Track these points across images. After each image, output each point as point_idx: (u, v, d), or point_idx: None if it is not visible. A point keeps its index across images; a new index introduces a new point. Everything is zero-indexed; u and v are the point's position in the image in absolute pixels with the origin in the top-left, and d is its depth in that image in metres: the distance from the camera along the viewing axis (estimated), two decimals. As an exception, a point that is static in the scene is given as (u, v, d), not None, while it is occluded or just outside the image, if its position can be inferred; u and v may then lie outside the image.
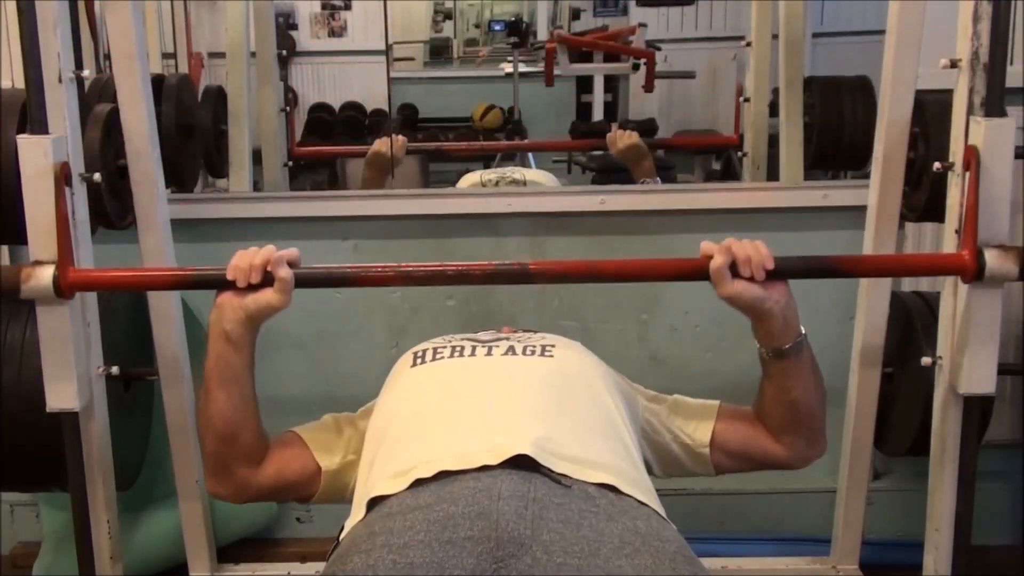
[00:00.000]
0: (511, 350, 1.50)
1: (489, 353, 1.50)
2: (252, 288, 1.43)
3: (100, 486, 1.77)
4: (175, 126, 2.19)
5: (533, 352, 1.49)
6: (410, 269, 1.55)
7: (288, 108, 2.87)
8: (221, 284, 1.45)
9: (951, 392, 1.66)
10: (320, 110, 3.76)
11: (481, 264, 1.54)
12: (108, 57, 2.20)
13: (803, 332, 1.48)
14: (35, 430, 1.70)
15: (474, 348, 1.51)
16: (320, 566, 1.22)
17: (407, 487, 1.19)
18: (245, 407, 1.47)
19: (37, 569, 2.19)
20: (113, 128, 1.79)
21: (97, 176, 1.67)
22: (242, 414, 1.47)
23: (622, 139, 2.67)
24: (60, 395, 1.62)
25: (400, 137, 2.76)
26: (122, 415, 1.87)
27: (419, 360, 1.52)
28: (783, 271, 1.44)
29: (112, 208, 1.83)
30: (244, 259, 1.44)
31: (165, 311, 1.89)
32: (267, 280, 1.43)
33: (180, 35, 2.99)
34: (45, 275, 1.53)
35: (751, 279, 1.41)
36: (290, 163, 2.81)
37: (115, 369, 1.77)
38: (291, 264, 1.44)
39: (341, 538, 1.24)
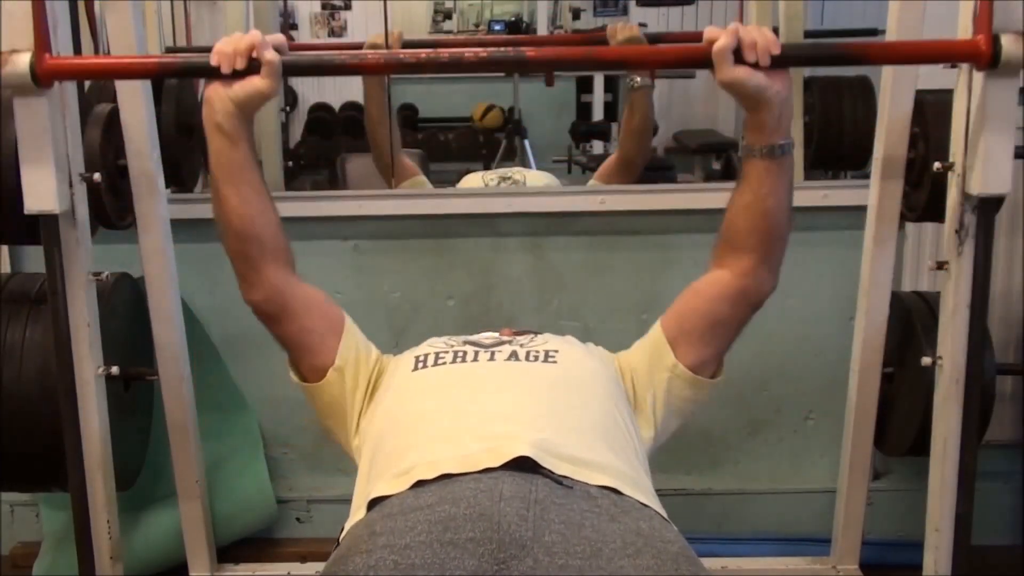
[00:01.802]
0: (514, 356, 1.49)
1: (492, 358, 1.49)
2: (239, 76, 1.41)
3: (100, 486, 1.77)
4: (175, 126, 2.19)
5: (536, 358, 1.49)
6: (403, 56, 1.48)
7: (288, 108, 2.87)
8: (206, 71, 1.42)
9: (952, 383, 1.66)
10: (320, 110, 3.76)
11: (475, 51, 1.47)
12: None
13: (791, 137, 1.45)
14: (35, 430, 1.70)
15: (476, 353, 1.51)
16: (320, 566, 1.22)
17: (408, 487, 1.19)
18: (258, 199, 1.46)
19: (37, 569, 2.19)
20: (113, 128, 1.79)
21: (97, 176, 1.67)
22: (256, 207, 1.46)
23: (622, 31, 2.61)
24: (39, 195, 1.54)
25: (396, 31, 2.67)
26: (122, 415, 1.87)
27: (420, 364, 1.51)
28: (790, 58, 1.40)
29: (112, 208, 1.82)
30: (228, 44, 1.40)
31: (165, 311, 1.89)
32: (254, 67, 1.40)
33: (180, 35, 2.98)
34: (21, 61, 1.45)
35: (755, 66, 1.38)
36: (290, 163, 2.81)
37: (115, 369, 1.77)
38: (278, 49, 1.41)
39: (341, 538, 1.24)
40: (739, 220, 1.48)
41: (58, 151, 1.55)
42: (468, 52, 1.46)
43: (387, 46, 2.47)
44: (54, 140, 1.53)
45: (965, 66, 1.57)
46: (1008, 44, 1.44)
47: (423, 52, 1.47)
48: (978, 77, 1.52)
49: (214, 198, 1.47)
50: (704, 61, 1.39)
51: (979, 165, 1.54)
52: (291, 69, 1.44)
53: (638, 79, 2.43)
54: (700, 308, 1.52)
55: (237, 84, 1.41)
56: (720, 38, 1.38)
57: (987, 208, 1.58)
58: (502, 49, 1.49)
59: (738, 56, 1.38)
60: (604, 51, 1.47)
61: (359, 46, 2.51)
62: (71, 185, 1.61)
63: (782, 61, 1.40)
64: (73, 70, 1.57)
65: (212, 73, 1.41)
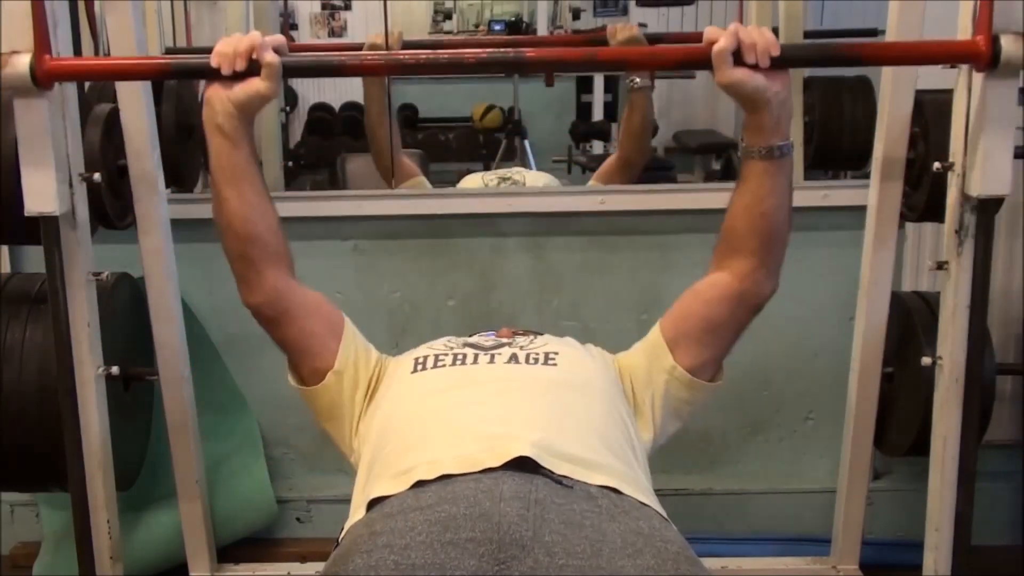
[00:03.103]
0: (514, 358, 1.49)
1: (492, 361, 1.49)
2: (239, 77, 1.41)
3: (100, 486, 1.77)
4: (175, 126, 2.19)
5: (536, 360, 1.48)
6: (403, 57, 1.48)
7: (288, 108, 2.87)
8: (206, 72, 1.42)
9: (952, 385, 1.66)
10: (320, 110, 3.76)
11: (475, 52, 1.47)
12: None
13: (791, 138, 1.45)
14: (35, 430, 1.70)
15: (476, 356, 1.50)
16: (320, 566, 1.22)
17: (408, 488, 1.19)
18: (258, 201, 1.46)
19: (37, 569, 2.19)
20: (113, 128, 1.79)
21: (97, 176, 1.66)
22: (256, 209, 1.46)
23: (622, 31, 2.61)
24: (38, 197, 1.54)
25: (396, 31, 2.67)
26: (122, 415, 1.87)
27: (420, 367, 1.50)
28: (790, 59, 1.41)
29: (112, 208, 1.82)
30: (228, 45, 1.40)
31: (165, 311, 1.89)
32: (254, 68, 1.40)
33: (180, 35, 2.98)
34: (21, 62, 1.45)
35: (755, 67, 1.38)
36: (290, 163, 2.81)
37: (115, 369, 1.77)
38: (278, 51, 1.41)
39: (341, 538, 1.24)
40: (738, 222, 1.48)
41: (58, 152, 1.55)
42: (468, 53, 1.46)
43: (387, 47, 2.47)
44: (54, 141, 1.53)
45: (965, 66, 1.57)
46: (1008, 45, 1.44)
47: (423, 53, 1.47)
48: (977, 78, 1.52)
49: (214, 199, 1.47)
50: (704, 62, 1.39)
51: (979, 166, 1.54)
52: (291, 70, 1.44)
53: (638, 80, 2.43)
54: (699, 311, 1.51)
55: (238, 86, 1.41)
56: (720, 39, 1.37)
57: (987, 208, 1.58)
58: (501, 50, 1.49)
59: (738, 57, 1.38)
60: (604, 52, 1.47)
61: (359, 47, 2.51)
62: (71, 186, 1.61)
63: (782, 62, 1.40)
64: (73, 71, 1.57)
65: (212, 74, 1.41)
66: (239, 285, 1.51)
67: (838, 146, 2.45)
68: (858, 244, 1.91)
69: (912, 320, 1.90)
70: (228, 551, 2.25)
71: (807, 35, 2.55)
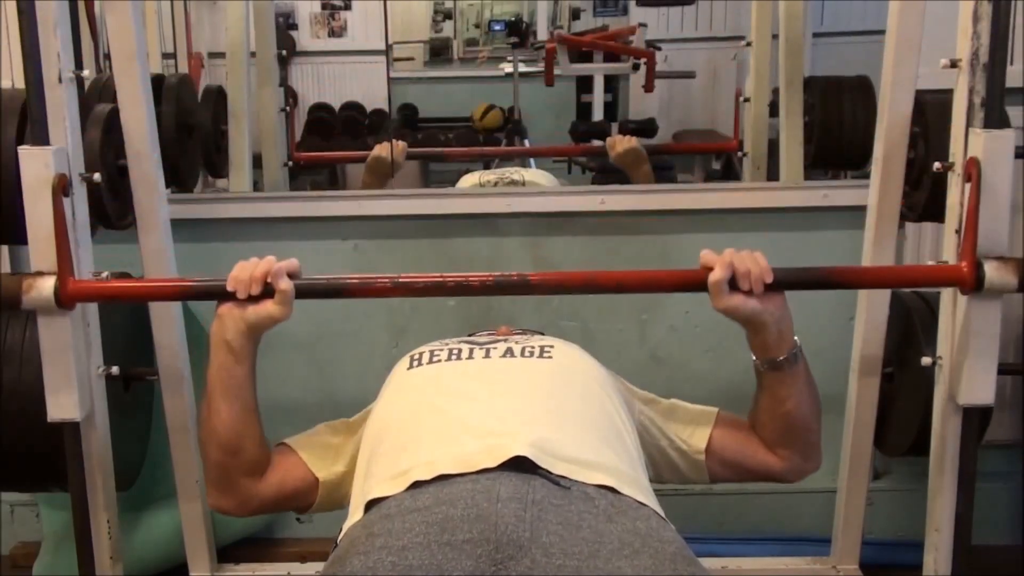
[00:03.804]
0: (509, 352, 1.50)
1: (487, 355, 1.50)
2: (253, 299, 1.44)
3: (100, 486, 1.77)
4: (175, 126, 2.19)
5: (532, 354, 1.49)
6: (409, 280, 1.54)
7: (288, 108, 2.87)
8: (222, 295, 1.45)
9: (951, 396, 1.66)
10: (320, 110, 3.75)
11: (481, 276, 1.54)
12: (108, 57, 2.20)
13: (798, 343, 1.49)
14: (35, 430, 1.70)
15: (471, 351, 1.51)
16: (320, 566, 1.22)
17: (405, 489, 1.19)
18: (248, 417, 1.48)
19: (37, 569, 2.19)
20: (113, 128, 1.79)
21: (97, 176, 1.67)
22: (246, 424, 1.47)
23: (620, 143, 2.67)
24: (61, 406, 1.62)
25: (400, 143, 2.75)
26: (122, 415, 1.87)
27: (415, 363, 1.51)
28: (782, 283, 1.45)
29: (112, 208, 1.83)
30: (244, 271, 1.44)
31: (165, 312, 1.89)
32: (267, 291, 1.44)
33: (180, 35, 2.99)
34: (46, 286, 1.54)
35: (749, 292, 1.42)
36: (290, 163, 2.82)
37: (115, 370, 1.77)
38: (291, 275, 1.45)
39: (339, 539, 1.24)
40: (765, 419, 1.56)
41: (79, 362, 1.63)
42: (473, 277, 1.53)
43: (391, 160, 2.66)
44: (75, 352, 1.61)
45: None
46: (991, 271, 1.52)
47: (430, 277, 1.54)
48: (963, 298, 1.58)
49: (205, 409, 1.49)
50: (701, 286, 1.45)
51: (965, 375, 1.60)
52: (304, 293, 1.47)
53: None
54: (745, 464, 1.60)
55: (251, 308, 1.44)
56: (716, 270, 1.42)
57: (971, 415, 1.65)
58: (506, 274, 1.55)
59: (732, 283, 1.42)
60: (604, 276, 1.62)
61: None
62: (91, 388, 1.69)
63: (776, 286, 1.45)
64: (94, 293, 1.63)
65: (229, 297, 1.44)
66: (209, 488, 1.53)
67: (838, 146, 2.45)
68: (858, 244, 1.91)
69: (912, 320, 1.90)
70: (228, 551, 2.25)
71: (814, 36, 2.56)
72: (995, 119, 1.54)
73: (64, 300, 1.55)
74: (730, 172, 2.97)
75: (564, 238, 2.28)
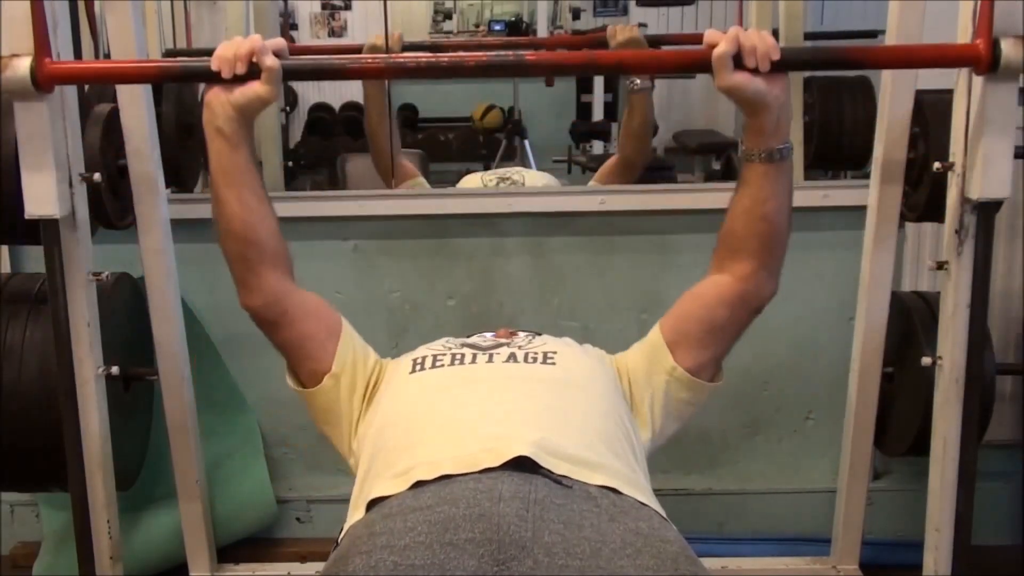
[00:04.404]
0: (512, 357, 1.49)
1: (490, 360, 1.49)
2: (239, 80, 1.41)
3: (100, 486, 1.77)
4: (175, 126, 2.19)
5: (535, 359, 1.49)
6: (402, 60, 1.49)
7: (288, 108, 2.87)
8: (206, 76, 1.42)
9: (952, 385, 1.66)
10: (320, 110, 3.75)
11: (476, 55, 1.48)
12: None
13: (791, 141, 1.46)
14: (35, 430, 1.70)
15: (475, 355, 1.51)
16: (320, 566, 1.22)
17: (407, 488, 1.19)
18: (258, 204, 1.47)
19: (37, 569, 2.19)
20: (113, 128, 1.79)
21: (97, 176, 1.67)
22: (256, 212, 1.46)
23: (622, 32, 2.61)
24: (39, 200, 1.55)
25: (396, 33, 2.67)
26: (122, 415, 1.87)
27: (418, 367, 1.51)
28: (790, 62, 1.41)
29: (112, 208, 1.83)
30: (229, 49, 1.41)
31: (165, 311, 1.89)
32: (254, 72, 1.41)
33: (180, 35, 2.98)
34: (22, 66, 1.45)
35: (754, 71, 1.39)
36: (289, 163, 2.81)
37: (115, 369, 1.77)
38: (278, 54, 1.42)
39: (340, 538, 1.24)
40: (738, 224, 1.49)
41: (58, 155, 1.55)
42: (468, 56, 1.47)
43: (387, 49, 2.47)
44: (55, 144, 1.54)
45: (965, 69, 1.57)
46: (1008, 48, 1.44)
47: (423, 57, 1.49)
48: (977, 81, 1.52)
49: (214, 201, 1.47)
50: (704, 66, 1.40)
51: (979, 168, 1.54)
52: (291, 74, 1.45)
53: (638, 81, 2.44)
54: (699, 312, 1.52)
55: (238, 89, 1.41)
56: (720, 44, 1.38)
57: (987, 209, 1.58)
58: (502, 53, 1.49)
59: (737, 61, 1.38)
60: (604, 55, 1.47)
61: (359, 48, 2.51)
62: (71, 187, 1.61)
63: (782, 66, 1.40)
64: (73, 74, 1.57)
65: (213, 78, 1.42)
66: (238, 288, 1.51)
67: (838, 146, 2.45)
68: (858, 244, 1.91)
69: (912, 320, 1.90)
70: (228, 551, 2.25)
71: (807, 36, 2.55)
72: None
73: (41, 81, 1.46)
74: (730, 172, 2.97)
75: (564, 238, 2.28)
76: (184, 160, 2.26)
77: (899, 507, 2.28)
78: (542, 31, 3.73)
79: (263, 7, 2.67)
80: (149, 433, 2.10)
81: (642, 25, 3.23)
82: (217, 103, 1.42)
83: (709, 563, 1.85)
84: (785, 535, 2.31)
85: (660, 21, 3.49)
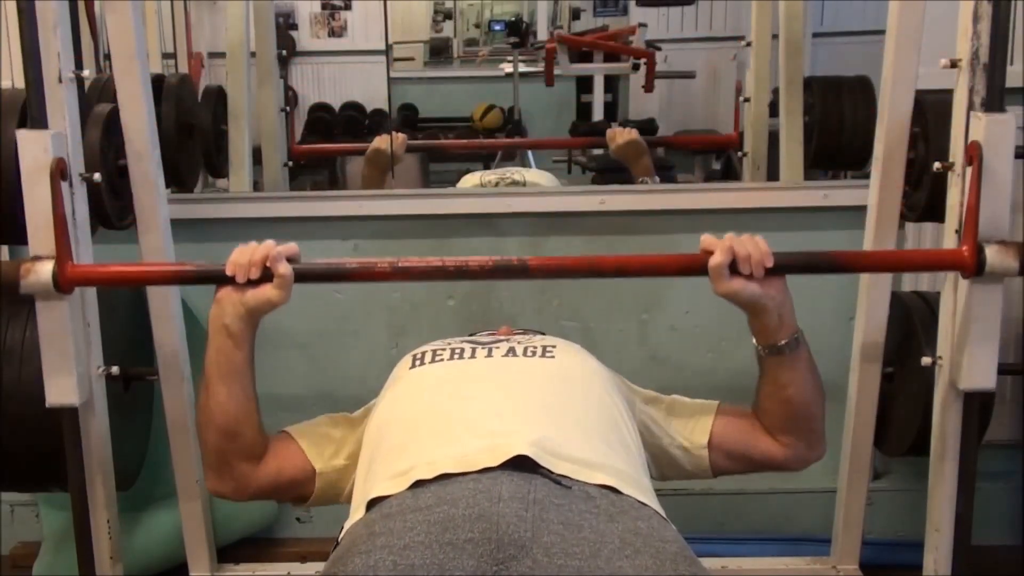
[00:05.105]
0: (511, 351, 1.50)
1: (489, 355, 1.50)
2: (252, 283, 1.43)
3: (100, 486, 1.77)
4: (175, 126, 2.19)
5: (534, 353, 1.49)
6: (409, 265, 1.54)
7: (288, 108, 2.87)
8: (221, 280, 1.45)
9: (951, 391, 1.66)
10: (320, 110, 3.75)
11: (480, 260, 1.53)
12: (108, 57, 2.20)
13: (799, 330, 1.48)
14: (35, 430, 1.70)
15: (474, 350, 1.51)
16: (320, 566, 1.22)
17: (407, 488, 1.20)
18: (246, 402, 1.48)
19: (37, 569, 2.19)
20: (113, 128, 1.79)
21: (97, 176, 1.67)
22: (243, 409, 1.47)
23: (621, 135, 2.66)
24: (60, 390, 1.61)
25: (400, 135, 2.76)
26: (122, 415, 1.87)
27: (418, 362, 1.52)
28: (782, 267, 1.45)
29: (112, 208, 1.83)
30: (243, 255, 1.44)
31: (165, 310, 1.89)
32: (266, 275, 1.43)
33: (180, 35, 2.98)
34: (44, 270, 1.53)
35: (750, 276, 1.42)
36: (290, 163, 2.82)
37: (115, 369, 1.78)
38: (290, 260, 1.45)
39: (340, 538, 1.24)
40: (766, 405, 1.54)
41: (78, 349, 1.62)
42: (473, 263, 1.52)
43: (391, 151, 2.66)
44: (74, 340, 1.60)
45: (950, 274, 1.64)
46: (992, 255, 1.52)
47: (429, 262, 1.53)
48: (964, 282, 1.58)
49: (202, 393, 1.49)
50: (701, 271, 1.44)
51: (966, 361, 1.60)
52: (303, 277, 1.47)
53: (644, 179, 2.59)
54: (748, 454, 1.58)
55: (250, 292, 1.44)
56: (716, 254, 1.42)
57: (971, 398, 1.65)
58: (505, 259, 1.55)
59: (733, 267, 1.42)
60: (605, 261, 1.60)
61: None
62: (90, 381, 1.69)
63: (776, 270, 1.44)
64: (93, 277, 1.63)
65: (227, 282, 1.44)
66: (206, 471, 1.53)
67: (838, 146, 2.45)
68: (858, 244, 1.91)
69: (912, 320, 1.90)
70: (228, 551, 2.25)
71: (814, 36, 2.55)
72: (996, 109, 1.53)
73: (63, 284, 1.54)
74: (730, 172, 2.98)
75: (564, 238, 2.28)
76: (184, 160, 2.26)
77: (899, 507, 2.28)
78: (542, 31, 3.73)
79: (263, 7, 2.67)
80: (149, 433, 2.10)
81: (642, 25, 3.23)
82: (228, 302, 1.44)
83: (709, 563, 1.84)
84: (785, 535, 2.31)
85: (660, 21, 3.49)
